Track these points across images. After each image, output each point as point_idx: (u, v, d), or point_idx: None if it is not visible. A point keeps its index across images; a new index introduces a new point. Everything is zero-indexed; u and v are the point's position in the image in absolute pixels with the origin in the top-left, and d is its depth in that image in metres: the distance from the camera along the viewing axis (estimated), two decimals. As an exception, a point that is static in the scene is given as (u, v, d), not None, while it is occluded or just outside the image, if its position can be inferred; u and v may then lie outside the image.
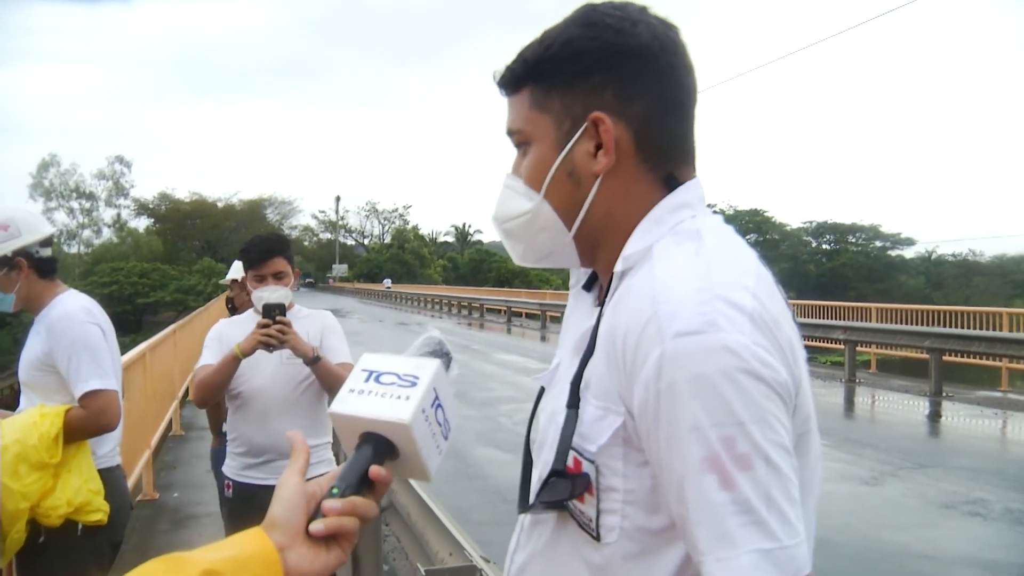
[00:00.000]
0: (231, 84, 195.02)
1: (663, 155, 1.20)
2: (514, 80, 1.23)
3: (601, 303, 1.19)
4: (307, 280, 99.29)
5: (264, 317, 3.49)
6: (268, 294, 3.55)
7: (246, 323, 3.63)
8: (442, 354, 1.24)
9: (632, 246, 1.16)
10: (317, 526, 1.02)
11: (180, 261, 72.00)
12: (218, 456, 5.16)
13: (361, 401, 1.12)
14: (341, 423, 1.14)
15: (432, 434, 1.12)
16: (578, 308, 1.35)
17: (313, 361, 3.53)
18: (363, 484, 1.06)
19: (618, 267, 1.16)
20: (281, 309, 3.50)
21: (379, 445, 1.09)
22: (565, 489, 1.13)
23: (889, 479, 8.67)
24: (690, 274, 1.05)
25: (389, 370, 1.15)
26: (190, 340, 13.79)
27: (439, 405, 1.13)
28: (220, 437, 5.34)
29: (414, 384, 1.12)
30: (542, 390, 1.35)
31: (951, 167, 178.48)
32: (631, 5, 1.20)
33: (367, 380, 1.15)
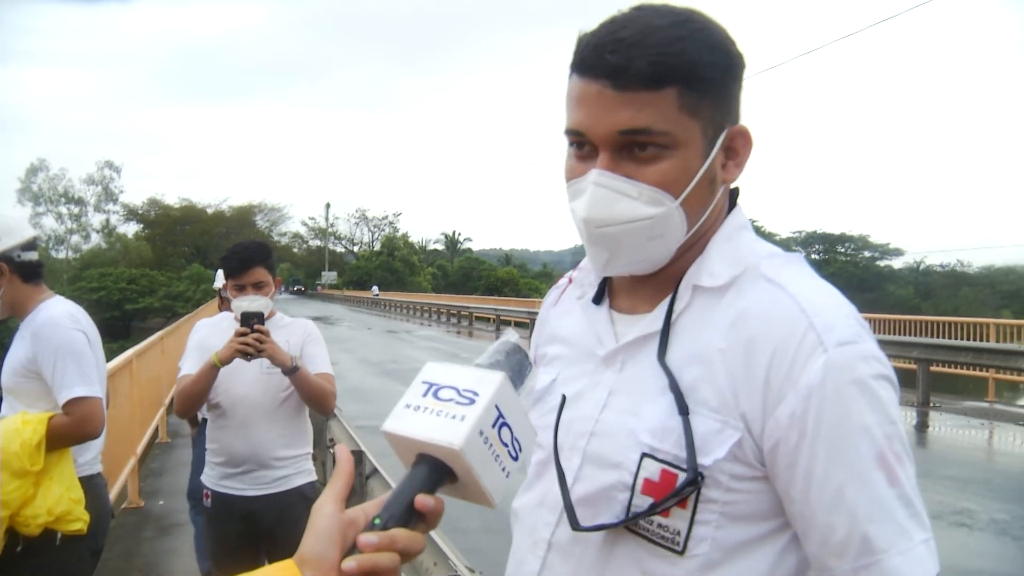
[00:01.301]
0: (222, 88, 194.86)
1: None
2: (659, 77, 1.12)
3: (669, 312, 1.20)
4: (296, 287, 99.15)
5: (242, 325, 3.46)
6: (247, 304, 3.54)
7: (227, 330, 3.60)
8: (517, 362, 1.12)
9: (718, 266, 1.19)
10: (349, 564, 0.91)
11: (169, 267, 71.69)
12: (199, 462, 5.29)
13: (415, 419, 1.01)
14: (395, 442, 1.03)
15: (495, 456, 1.01)
16: (587, 323, 1.32)
17: (291, 371, 3.52)
18: (410, 514, 0.96)
19: (706, 282, 1.19)
20: (259, 318, 3.48)
21: (434, 468, 0.99)
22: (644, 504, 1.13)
23: (876, 489, 8.63)
24: (824, 292, 1.13)
25: (450, 383, 1.04)
26: (178, 347, 13.70)
27: (504, 424, 1.02)
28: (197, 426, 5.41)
29: (472, 402, 1.01)
30: (563, 399, 1.29)
31: (940, 178, 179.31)
32: None
33: (425, 394, 1.04)
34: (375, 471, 4.96)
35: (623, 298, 1.30)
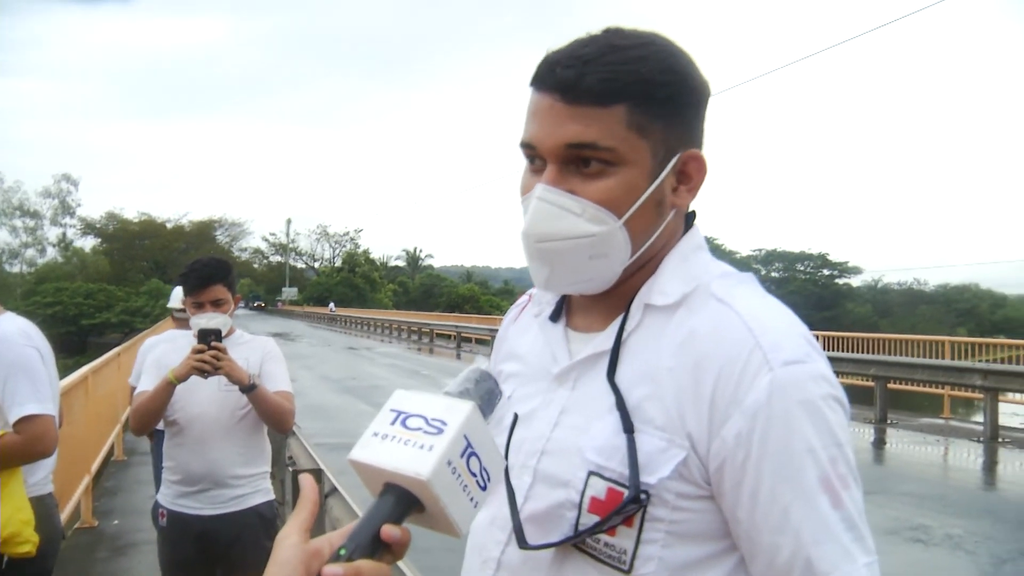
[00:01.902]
0: (182, 102, 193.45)
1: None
2: (609, 93, 1.12)
3: (620, 332, 1.19)
4: (256, 303, 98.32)
5: (200, 342, 3.43)
6: (205, 322, 3.50)
7: (185, 348, 3.55)
8: (486, 390, 1.10)
9: (671, 285, 1.19)
10: None
11: (127, 282, 70.78)
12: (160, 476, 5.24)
13: (382, 448, 0.99)
14: (361, 470, 1.01)
15: (463, 486, 0.99)
16: (543, 340, 1.32)
17: (249, 388, 3.48)
18: (376, 545, 0.94)
19: (657, 301, 1.18)
20: (216, 335, 3.45)
21: (401, 498, 0.97)
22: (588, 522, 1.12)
23: (834, 505, 8.71)
24: (773, 312, 1.13)
25: (418, 412, 1.02)
26: (135, 363, 13.53)
27: (473, 454, 1.00)
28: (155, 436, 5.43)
29: (440, 432, 0.99)
30: (516, 417, 1.28)
31: (897, 197, 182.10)
32: None
33: (393, 423, 1.02)
34: (334, 490, 4.91)
35: (579, 316, 1.30)
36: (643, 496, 1.08)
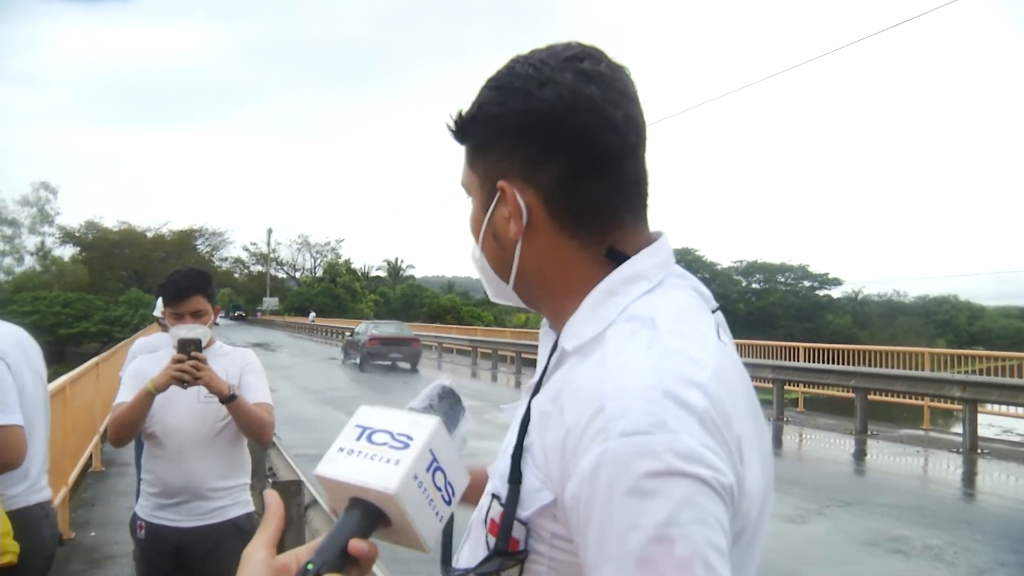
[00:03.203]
0: (161, 112, 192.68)
1: (589, 221, 1.15)
2: (455, 133, 1.22)
3: (543, 370, 1.18)
4: (236, 313, 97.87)
5: (179, 352, 3.40)
6: (185, 332, 3.48)
7: (165, 359, 3.53)
8: (450, 406, 1.13)
9: (584, 327, 1.12)
10: None
11: (106, 291, 70.21)
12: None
13: (348, 463, 1.01)
14: (327, 486, 1.02)
15: (428, 500, 1.01)
16: (544, 347, 1.31)
17: (228, 399, 3.45)
18: (344, 559, 0.94)
19: (567, 344, 1.13)
20: (196, 344, 3.41)
21: (367, 512, 0.98)
22: (495, 564, 1.09)
23: (815, 517, 8.76)
24: (642, 369, 1.01)
25: (383, 427, 1.03)
26: (113, 373, 13.43)
27: (438, 468, 1.02)
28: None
29: (406, 446, 1.00)
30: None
31: (878, 210, 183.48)
32: (554, 55, 1.15)
33: (359, 438, 1.03)
34: (314, 502, 4.89)
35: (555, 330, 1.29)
36: (510, 553, 1.06)
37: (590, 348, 1.09)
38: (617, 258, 1.16)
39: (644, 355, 1.03)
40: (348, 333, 37.07)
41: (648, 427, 0.95)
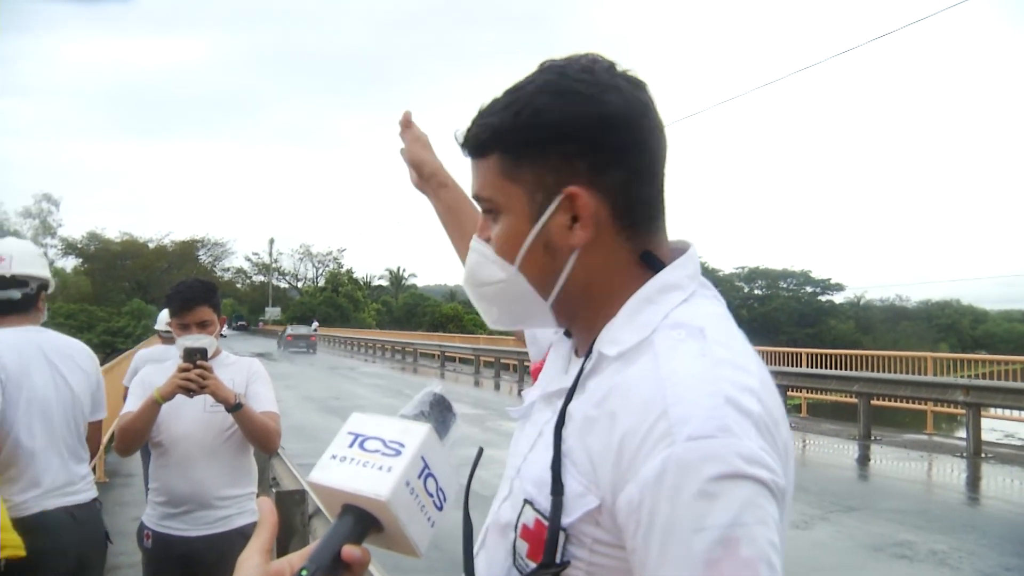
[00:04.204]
0: (164, 122, 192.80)
1: (640, 226, 1.18)
2: (479, 146, 1.19)
3: (578, 376, 1.17)
4: (239, 322, 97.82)
5: (185, 361, 3.42)
6: (191, 342, 3.51)
7: (172, 368, 3.56)
8: (441, 413, 1.14)
9: (623, 333, 1.13)
10: None
11: (109, 302, 70.09)
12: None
13: (341, 470, 1.02)
14: (320, 492, 1.04)
15: (420, 507, 1.02)
16: (556, 354, 1.32)
17: (234, 408, 3.46)
18: (337, 565, 0.96)
19: (608, 350, 1.13)
20: (202, 354, 3.44)
21: (360, 518, 1.00)
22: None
23: (819, 522, 8.75)
24: (699, 376, 1.04)
25: (375, 434, 1.05)
26: (117, 384, 13.43)
27: (429, 475, 1.03)
28: None
29: (398, 453, 1.01)
30: (480, 451, 1.31)
31: (879, 215, 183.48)
32: (599, 65, 1.17)
33: (351, 445, 1.04)
34: (318, 511, 4.89)
35: (576, 337, 1.29)
36: (566, 562, 1.07)
37: (635, 354, 1.10)
38: (651, 262, 1.19)
39: (699, 362, 1.06)
40: (281, 331, 57.66)
41: (713, 431, 0.98)
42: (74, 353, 3.51)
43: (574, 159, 1.15)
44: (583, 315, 1.21)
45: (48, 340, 3.46)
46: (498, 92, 1.21)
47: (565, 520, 1.07)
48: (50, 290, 3.63)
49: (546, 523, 1.09)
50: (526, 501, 1.14)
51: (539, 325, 1.26)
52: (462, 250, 1.77)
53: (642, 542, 0.99)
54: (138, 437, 3.54)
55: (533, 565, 1.10)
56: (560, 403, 1.17)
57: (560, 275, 1.17)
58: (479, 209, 1.25)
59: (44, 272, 3.52)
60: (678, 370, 1.05)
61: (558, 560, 1.07)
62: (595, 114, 1.14)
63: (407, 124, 1.96)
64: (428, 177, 1.93)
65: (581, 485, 1.07)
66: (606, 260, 1.18)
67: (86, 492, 3.44)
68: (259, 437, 3.58)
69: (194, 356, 3.42)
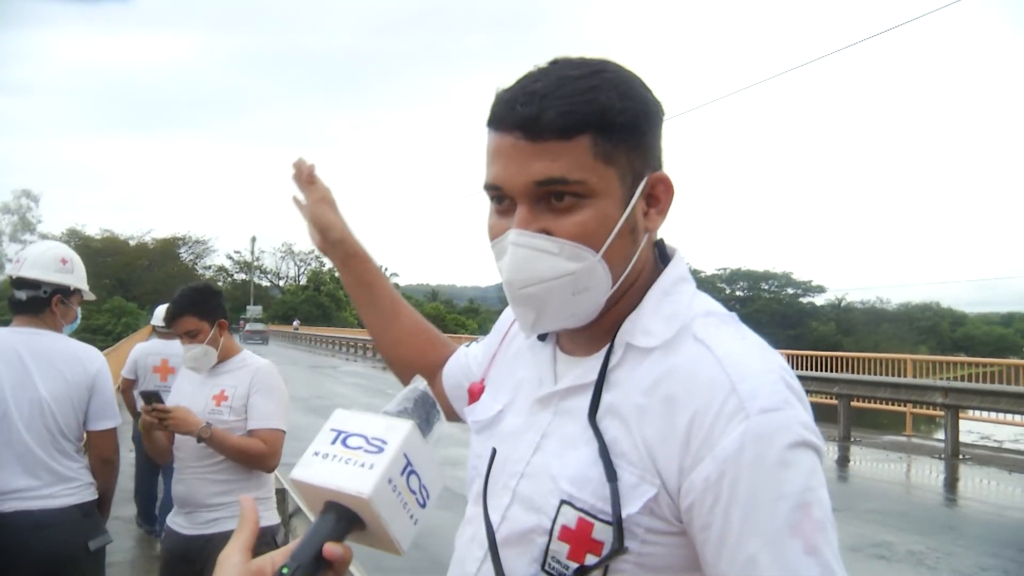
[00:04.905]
0: (146, 120, 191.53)
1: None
2: (572, 126, 1.10)
3: (603, 368, 1.17)
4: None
5: (145, 404, 3.48)
6: (190, 355, 3.63)
7: (190, 375, 3.78)
8: (425, 410, 1.12)
9: (657, 324, 1.17)
10: None
11: (89, 300, 69.68)
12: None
13: (323, 467, 1.01)
14: (302, 490, 1.03)
15: (403, 504, 1.01)
16: (532, 359, 1.32)
17: (200, 439, 3.46)
18: (318, 563, 0.95)
19: (643, 342, 1.16)
20: (157, 397, 3.49)
21: (342, 516, 0.99)
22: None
23: (799, 523, 8.76)
24: (751, 355, 1.11)
25: (358, 431, 1.03)
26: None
27: (412, 472, 1.02)
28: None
29: (380, 450, 1.00)
30: (494, 451, 1.28)
31: (861, 217, 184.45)
32: (606, 61, 1.20)
33: (334, 442, 1.03)
34: (298, 510, 4.89)
35: (566, 337, 1.28)
36: (627, 547, 1.07)
37: (677, 342, 1.14)
38: (662, 250, 1.27)
39: (744, 344, 1.13)
40: (241, 326, 60.61)
41: (779, 404, 1.04)
42: (60, 359, 3.43)
43: (655, 148, 1.19)
44: (614, 309, 1.20)
45: (36, 343, 3.42)
46: (545, 74, 1.14)
47: (625, 512, 1.08)
48: (84, 297, 3.72)
49: (592, 520, 1.10)
50: (563, 502, 1.13)
51: (572, 324, 1.19)
52: (379, 327, 1.72)
53: (722, 515, 1.02)
54: (154, 454, 3.78)
55: (575, 566, 1.10)
56: (575, 401, 1.19)
57: (631, 260, 1.19)
58: (522, 199, 1.14)
59: (59, 278, 3.52)
60: (732, 352, 1.10)
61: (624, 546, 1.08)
62: (658, 104, 1.20)
63: (310, 180, 1.73)
64: (335, 243, 1.71)
65: (634, 476, 1.09)
66: (648, 247, 1.23)
67: (61, 498, 3.34)
68: (240, 461, 3.55)
69: (150, 399, 3.48)
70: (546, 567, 1.13)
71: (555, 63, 1.16)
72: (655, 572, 1.10)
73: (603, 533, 1.09)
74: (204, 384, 3.69)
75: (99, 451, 3.54)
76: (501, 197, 1.17)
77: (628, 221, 1.15)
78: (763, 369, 1.08)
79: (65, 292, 3.56)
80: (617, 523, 1.07)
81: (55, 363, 3.41)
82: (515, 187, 1.14)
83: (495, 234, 1.19)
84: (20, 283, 3.47)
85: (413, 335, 1.71)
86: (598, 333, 1.21)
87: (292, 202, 1.77)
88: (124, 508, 5.85)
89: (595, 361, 1.19)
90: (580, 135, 1.10)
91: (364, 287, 1.72)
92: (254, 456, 3.55)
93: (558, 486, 1.14)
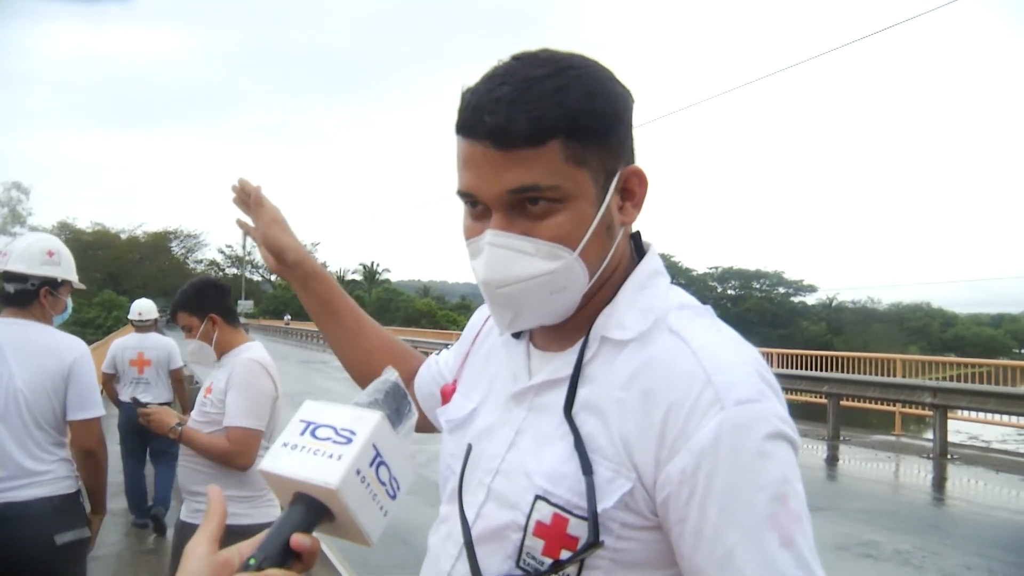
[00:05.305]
0: (137, 115, 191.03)
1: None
2: (539, 133, 1.09)
3: (579, 362, 1.17)
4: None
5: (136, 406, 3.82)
6: (185, 347, 3.83)
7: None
8: (396, 401, 1.11)
9: (631, 317, 1.17)
10: None
11: (79, 293, 69.10)
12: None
13: (291, 458, 1.00)
14: (271, 481, 1.02)
15: (372, 495, 1.00)
16: (506, 356, 1.32)
17: (174, 438, 3.59)
18: (286, 554, 0.95)
19: (618, 335, 1.16)
20: (138, 402, 3.97)
21: (311, 507, 0.98)
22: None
23: (787, 521, 8.78)
24: (726, 348, 1.12)
25: (327, 422, 1.03)
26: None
27: (382, 463, 1.01)
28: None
29: (349, 441, 1.00)
30: (469, 447, 1.27)
31: (852, 217, 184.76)
32: (576, 55, 1.19)
33: (303, 433, 1.03)
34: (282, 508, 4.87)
35: (539, 334, 1.28)
36: (602, 541, 1.07)
37: (652, 335, 1.14)
38: (637, 242, 1.27)
39: (719, 337, 1.14)
40: None
41: (755, 396, 1.05)
42: (40, 350, 3.41)
43: (624, 141, 1.18)
44: (594, 297, 1.21)
45: (20, 335, 3.41)
46: (510, 75, 1.12)
47: (602, 505, 1.08)
48: (74, 286, 3.77)
49: (567, 516, 1.10)
50: (538, 497, 1.13)
51: (549, 320, 1.20)
52: (344, 345, 1.71)
53: (698, 508, 1.03)
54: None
55: (549, 561, 1.10)
56: (550, 396, 1.19)
57: (607, 257, 1.19)
58: (497, 207, 1.14)
59: (46, 271, 3.55)
60: (708, 344, 1.10)
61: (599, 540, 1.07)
62: (628, 98, 1.19)
63: (258, 202, 1.68)
64: (293, 265, 1.67)
65: (609, 470, 1.09)
66: (624, 240, 1.23)
67: (26, 490, 3.28)
68: (211, 460, 3.53)
69: (137, 403, 4.00)
70: (521, 563, 1.13)
71: (519, 59, 1.14)
72: (630, 568, 1.09)
73: (578, 528, 1.08)
74: (211, 376, 3.78)
75: (80, 442, 3.48)
76: (475, 203, 1.17)
77: (604, 218, 1.15)
78: (739, 361, 1.09)
79: (53, 284, 3.58)
80: (592, 517, 1.07)
81: (34, 353, 3.39)
82: (488, 196, 1.14)
83: (470, 235, 1.19)
84: (7, 277, 3.49)
85: (380, 350, 1.69)
86: (572, 328, 1.21)
87: (238, 225, 1.72)
88: (115, 502, 5.86)
89: (570, 355, 1.20)
90: (550, 140, 1.10)
91: (325, 306, 1.69)
92: (219, 454, 3.50)
93: (533, 482, 1.14)
